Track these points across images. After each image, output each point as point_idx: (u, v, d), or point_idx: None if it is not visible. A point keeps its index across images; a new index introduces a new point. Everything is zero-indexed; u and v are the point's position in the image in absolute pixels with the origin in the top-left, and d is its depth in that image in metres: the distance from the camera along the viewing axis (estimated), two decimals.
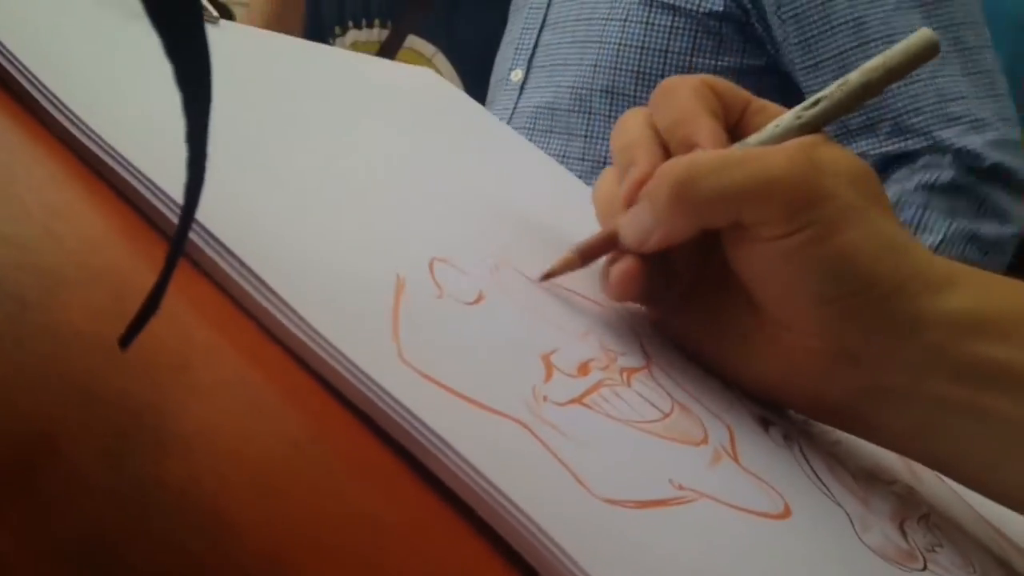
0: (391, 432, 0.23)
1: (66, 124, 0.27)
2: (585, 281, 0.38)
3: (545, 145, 1.13)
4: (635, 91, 1.10)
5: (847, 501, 0.35)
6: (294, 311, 0.24)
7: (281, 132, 0.37)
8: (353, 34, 1.63)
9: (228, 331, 0.24)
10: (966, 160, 0.99)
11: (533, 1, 1.22)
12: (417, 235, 0.34)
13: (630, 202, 0.37)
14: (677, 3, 1.08)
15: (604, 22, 1.12)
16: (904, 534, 0.35)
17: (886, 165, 1.03)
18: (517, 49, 1.23)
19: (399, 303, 0.28)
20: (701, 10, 1.07)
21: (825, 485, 0.35)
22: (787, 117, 0.37)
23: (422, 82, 0.57)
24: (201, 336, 0.23)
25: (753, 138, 0.37)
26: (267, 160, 0.33)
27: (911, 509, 0.37)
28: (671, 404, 0.33)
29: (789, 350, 0.36)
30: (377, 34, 1.61)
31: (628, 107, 1.09)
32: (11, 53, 0.29)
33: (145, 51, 0.29)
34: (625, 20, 1.11)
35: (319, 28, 1.63)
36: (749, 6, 1.06)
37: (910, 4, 1.01)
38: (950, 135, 1.00)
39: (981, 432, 0.34)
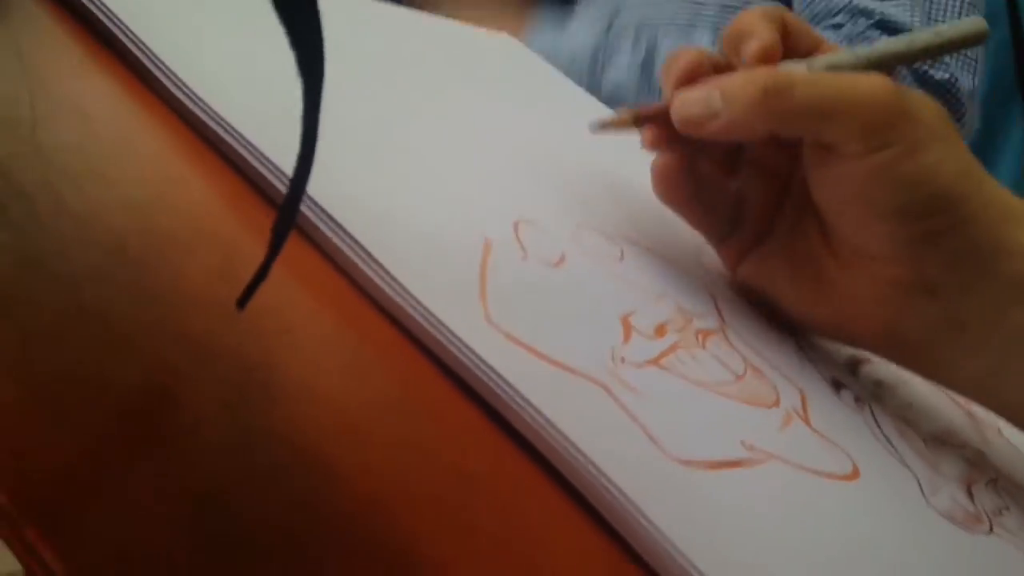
0: (477, 390, 0.25)
1: (181, 97, 0.28)
2: (664, 242, 0.39)
3: None
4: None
5: (916, 464, 0.36)
6: (388, 273, 0.26)
7: (369, 100, 0.38)
8: None
9: (326, 293, 0.25)
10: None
11: None
12: (502, 198, 0.35)
13: (691, 80, 0.37)
14: None
15: None
16: (972, 497, 0.35)
17: None
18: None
19: (486, 265, 0.29)
20: None
21: (895, 448, 0.36)
22: (848, 55, 0.38)
23: (504, 48, 0.58)
24: (303, 299, 0.24)
25: (823, 59, 0.38)
26: (359, 129, 0.34)
27: (979, 473, 0.38)
28: (744, 367, 0.34)
29: (864, 283, 0.36)
30: None
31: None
32: (124, 23, 0.30)
33: (257, 25, 0.31)
34: None
35: None
36: None
37: None
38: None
39: None
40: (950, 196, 0.34)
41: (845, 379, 0.38)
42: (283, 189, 0.26)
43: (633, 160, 0.49)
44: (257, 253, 0.21)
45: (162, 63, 0.29)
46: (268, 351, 0.22)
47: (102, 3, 0.31)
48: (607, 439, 0.25)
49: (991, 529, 0.34)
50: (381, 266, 0.26)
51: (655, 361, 0.31)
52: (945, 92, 0.97)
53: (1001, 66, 1.76)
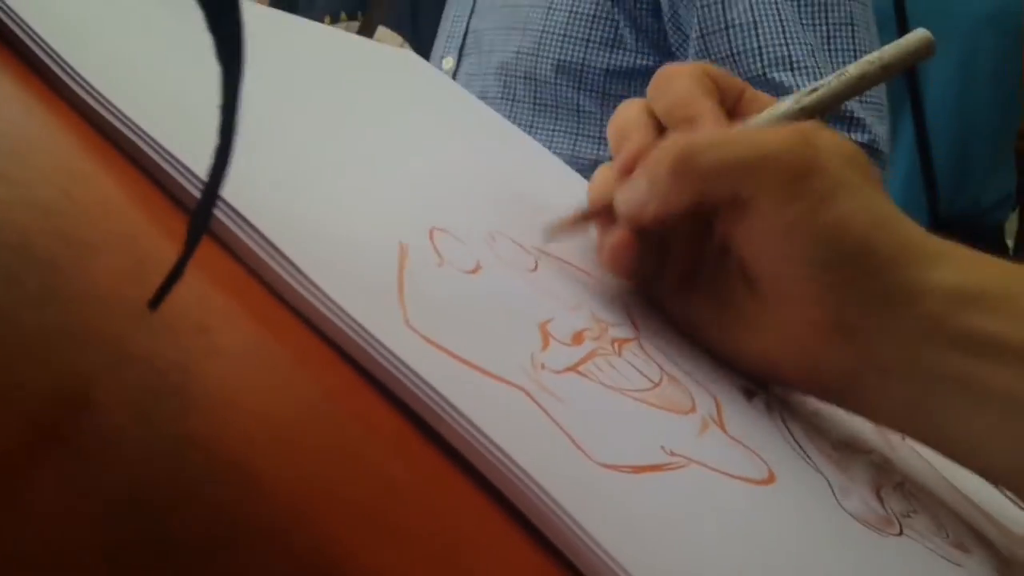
0: (400, 395, 0.24)
1: (86, 97, 0.27)
2: (576, 253, 0.39)
3: None
4: (555, 80, 1.08)
5: (827, 469, 0.36)
6: (306, 276, 0.25)
7: (284, 111, 0.37)
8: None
9: (243, 296, 0.24)
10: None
11: None
12: (416, 206, 0.35)
13: (624, 173, 0.38)
14: None
15: (529, 8, 1.10)
16: (881, 501, 0.36)
17: None
18: (449, 37, 1.21)
19: (404, 269, 0.29)
20: None
21: (806, 453, 0.36)
22: (787, 102, 0.39)
23: (407, 63, 0.58)
24: (219, 301, 0.23)
25: (753, 120, 0.39)
26: (276, 138, 0.34)
27: (887, 477, 0.39)
28: (660, 374, 0.34)
29: (785, 325, 0.37)
30: (345, 26, 1.63)
31: (549, 95, 1.08)
32: (26, 23, 0.29)
33: (163, 22, 0.30)
34: (550, 8, 1.09)
35: None
36: None
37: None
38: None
39: (974, 406, 0.35)
40: (863, 247, 0.35)
41: (756, 387, 0.39)
42: (193, 191, 0.26)
43: (538, 172, 0.49)
44: (170, 255, 0.20)
45: (66, 63, 0.28)
46: (184, 353, 0.21)
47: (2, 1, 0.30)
48: (532, 444, 0.25)
49: (901, 531, 0.34)
50: (298, 269, 0.25)
51: (574, 368, 0.31)
52: (869, 152, 1.00)
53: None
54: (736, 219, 0.36)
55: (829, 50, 1.02)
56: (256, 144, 0.31)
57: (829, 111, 0.38)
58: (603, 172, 0.41)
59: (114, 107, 0.27)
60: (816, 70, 0.99)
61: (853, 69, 0.39)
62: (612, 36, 1.07)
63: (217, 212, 0.25)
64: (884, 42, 0.40)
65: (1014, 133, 1.90)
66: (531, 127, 1.10)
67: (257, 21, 0.44)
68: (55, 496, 0.17)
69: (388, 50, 0.59)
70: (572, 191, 0.42)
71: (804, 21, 1.01)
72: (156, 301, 0.20)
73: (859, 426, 0.41)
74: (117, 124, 0.27)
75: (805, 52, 1.00)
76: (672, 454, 0.29)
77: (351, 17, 1.66)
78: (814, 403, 0.41)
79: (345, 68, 0.48)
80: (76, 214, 0.23)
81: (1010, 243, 1.90)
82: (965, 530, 0.39)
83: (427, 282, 0.30)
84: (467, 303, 0.30)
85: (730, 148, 0.35)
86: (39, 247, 0.21)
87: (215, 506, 0.18)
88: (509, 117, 1.07)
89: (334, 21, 1.67)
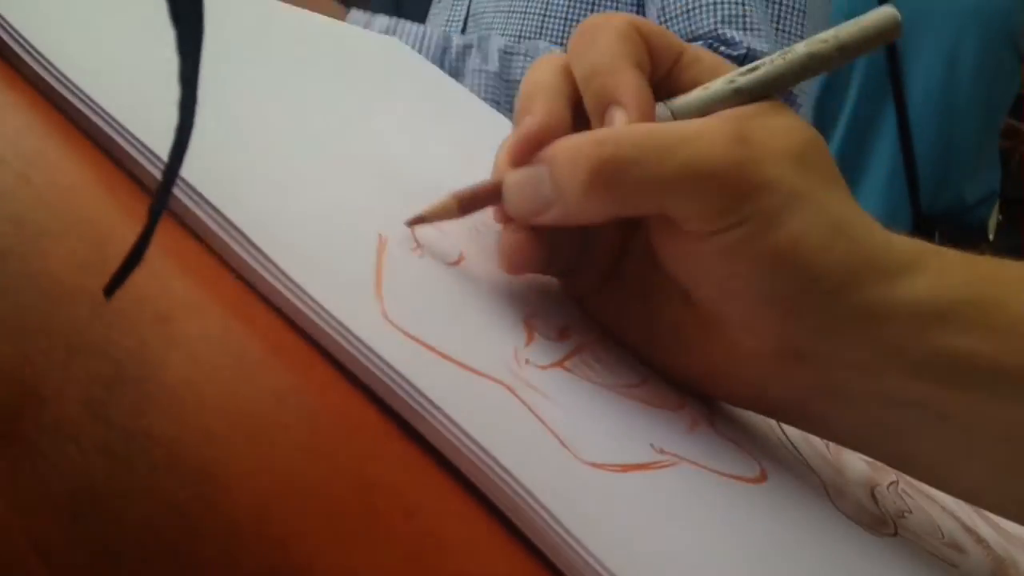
0: (376, 390, 0.23)
1: (43, 73, 0.26)
2: None
3: None
4: None
5: (821, 468, 0.35)
6: (278, 267, 0.24)
7: (258, 97, 0.36)
8: None
9: (211, 285, 0.23)
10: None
11: None
12: (396, 196, 0.33)
13: (518, 159, 0.31)
14: None
15: None
16: (875, 500, 0.35)
17: None
18: (448, 20, 1.21)
19: (382, 261, 0.28)
20: None
21: (799, 452, 0.35)
22: (719, 82, 0.32)
23: (390, 49, 0.56)
24: (183, 289, 0.22)
25: (680, 100, 0.33)
26: (246, 119, 0.32)
27: (881, 476, 0.38)
28: (648, 370, 0.33)
29: (726, 345, 0.32)
30: None
31: None
32: None
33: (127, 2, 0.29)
34: None
35: None
36: None
37: None
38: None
39: (940, 431, 0.31)
40: (817, 269, 0.29)
41: None
42: (155, 173, 0.24)
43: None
44: (131, 242, 0.19)
45: (24, 39, 0.27)
46: (143, 343, 0.19)
47: None
48: (515, 442, 0.24)
49: (895, 531, 0.33)
50: (270, 260, 0.24)
51: (560, 363, 0.29)
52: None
53: (872, 59, 1.81)
54: (665, 237, 0.31)
55: (777, 30, 1.01)
56: (223, 129, 0.30)
57: (770, 97, 0.32)
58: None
59: (74, 85, 0.26)
60: (771, 38, 0.98)
61: (801, 47, 0.32)
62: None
63: (184, 198, 0.24)
64: None
65: (997, 130, 1.91)
66: None
67: (231, 4, 0.42)
68: (3, 493, 0.15)
69: (370, 36, 0.58)
70: None
71: None
72: (111, 288, 0.18)
73: None
74: (78, 104, 0.25)
75: (761, 17, 0.98)
76: (661, 451, 0.28)
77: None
78: None
79: (323, 55, 0.47)
80: (32, 198, 0.22)
81: (991, 238, 1.90)
82: (960, 530, 0.38)
83: (406, 274, 0.28)
84: (449, 296, 0.29)
85: (657, 165, 0.29)
86: None
87: (172, 504, 0.17)
88: (508, 100, 1.06)
89: None
